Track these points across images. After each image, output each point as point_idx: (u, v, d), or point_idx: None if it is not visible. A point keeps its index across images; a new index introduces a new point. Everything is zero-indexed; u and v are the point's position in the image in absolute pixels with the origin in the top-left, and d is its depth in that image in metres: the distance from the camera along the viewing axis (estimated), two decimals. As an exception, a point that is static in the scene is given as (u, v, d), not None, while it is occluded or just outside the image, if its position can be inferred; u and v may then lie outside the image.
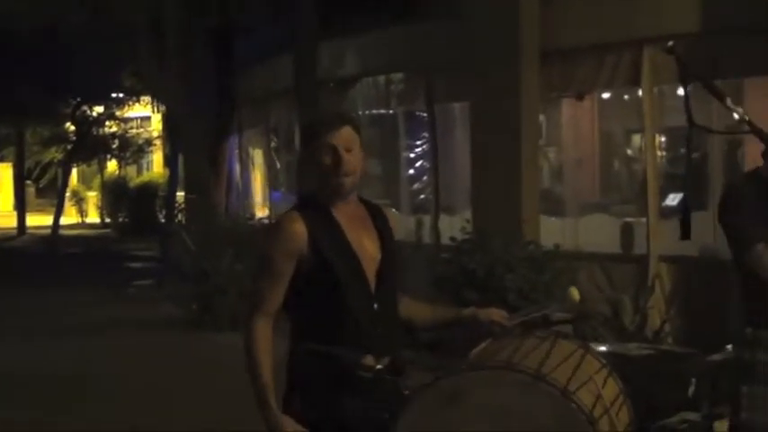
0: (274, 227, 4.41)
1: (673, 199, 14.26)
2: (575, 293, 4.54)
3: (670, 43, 3.89)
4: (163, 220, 29.27)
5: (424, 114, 16.12)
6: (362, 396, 4.23)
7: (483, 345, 4.50)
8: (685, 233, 4.26)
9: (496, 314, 4.62)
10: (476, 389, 4.07)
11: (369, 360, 4.23)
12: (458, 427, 4.03)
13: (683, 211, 4.31)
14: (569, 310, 4.67)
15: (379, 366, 4.24)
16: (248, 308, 4.30)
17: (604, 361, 4.44)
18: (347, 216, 4.33)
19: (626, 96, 15.09)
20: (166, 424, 9.74)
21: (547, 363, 4.07)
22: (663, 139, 13.40)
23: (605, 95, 15.03)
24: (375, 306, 4.30)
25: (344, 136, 4.27)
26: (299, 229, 4.23)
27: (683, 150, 15.55)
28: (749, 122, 3.94)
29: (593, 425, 3.91)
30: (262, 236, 4.67)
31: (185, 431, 9.49)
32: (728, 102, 3.91)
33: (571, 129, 15.66)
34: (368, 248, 4.34)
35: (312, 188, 4.41)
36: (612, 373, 4.41)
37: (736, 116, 3.94)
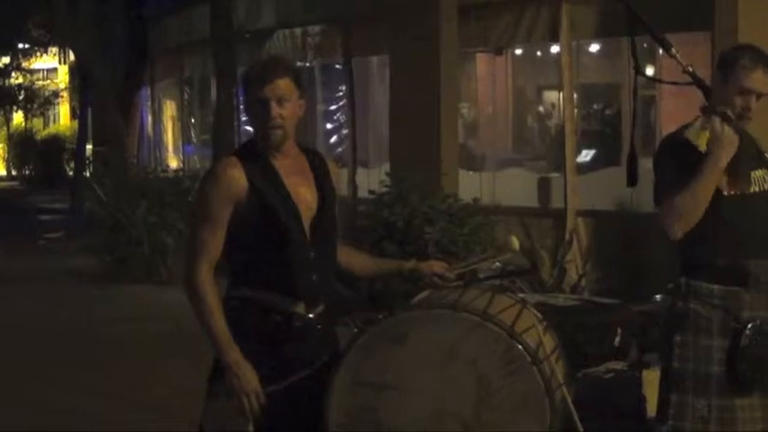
0: (211, 172, 4.36)
1: (586, 155, 14.41)
2: (515, 242, 4.55)
3: (620, -10, 3.93)
4: (71, 173, 28.91)
5: (341, 67, 16.07)
6: (295, 344, 4.22)
7: (424, 294, 4.51)
8: (632, 180, 4.30)
9: (438, 266, 4.61)
10: (421, 328, 4.09)
11: (301, 308, 4.24)
12: (402, 366, 4.05)
13: (631, 158, 4.33)
14: (509, 259, 4.68)
15: (310, 315, 4.25)
16: (189, 256, 4.24)
17: (541, 316, 4.48)
18: (285, 164, 4.29)
19: (539, 52, 15.17)
20: (88, 375, 9.66)
21: (490, 308, 4.10)
22: (575, 95, 13.47)
23: (519, 51, 15.09)
24: (311, 254, 4.26)
25: (278, 89, 4.20)
26: (237, 173, 4.19)
27: (595, 107, 15.74)
28: (692, 74, 3.99)
29: (536, 365, 3.96)
30: (199, 183, 4.56)
31: (108, 382, 9.41)
32: (674, 52, 3.95)
33: (485, 84, 15.70)
34: (304, 196, 4.30)
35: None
36: (549, 328, 4.46)
37: (681, 66, 3.98)
